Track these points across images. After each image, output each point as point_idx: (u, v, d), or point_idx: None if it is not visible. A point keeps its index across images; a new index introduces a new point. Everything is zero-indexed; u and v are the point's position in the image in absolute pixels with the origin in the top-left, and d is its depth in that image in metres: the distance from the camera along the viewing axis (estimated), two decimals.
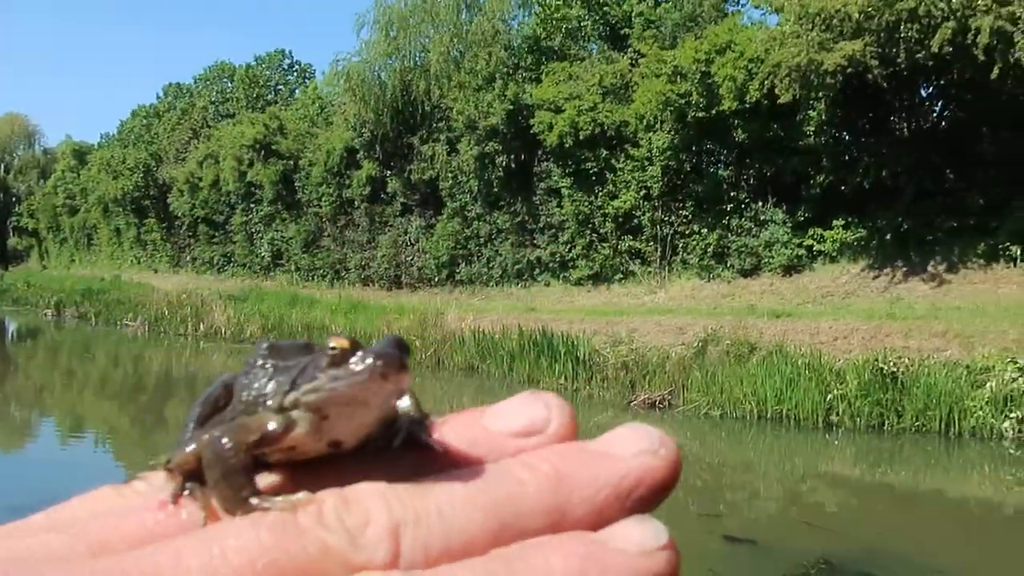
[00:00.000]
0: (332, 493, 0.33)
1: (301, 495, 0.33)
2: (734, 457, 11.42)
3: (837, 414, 12.17)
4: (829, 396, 12.26)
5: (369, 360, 0.36)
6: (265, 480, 0.38)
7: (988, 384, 11.60)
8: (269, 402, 0.38)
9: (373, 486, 0.33)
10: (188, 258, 37.79)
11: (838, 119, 18.26)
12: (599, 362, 15.16)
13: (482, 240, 24.30)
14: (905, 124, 18.28)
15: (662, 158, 20.31)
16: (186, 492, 0.37)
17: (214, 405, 0.42)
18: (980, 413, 11.43)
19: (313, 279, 29.33)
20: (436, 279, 25.34)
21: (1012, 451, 10.89)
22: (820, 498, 9.59)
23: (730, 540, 7.28)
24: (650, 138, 20.41)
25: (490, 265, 24.10)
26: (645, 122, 20.44)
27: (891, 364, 12.09)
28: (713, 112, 18.76)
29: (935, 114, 18.56)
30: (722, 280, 19.64)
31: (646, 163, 20.68)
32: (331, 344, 0.37)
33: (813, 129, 18.51)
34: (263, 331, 22.69)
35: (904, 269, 17.22)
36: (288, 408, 0.37)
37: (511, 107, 22.01)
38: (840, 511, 8.99)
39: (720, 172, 20.22)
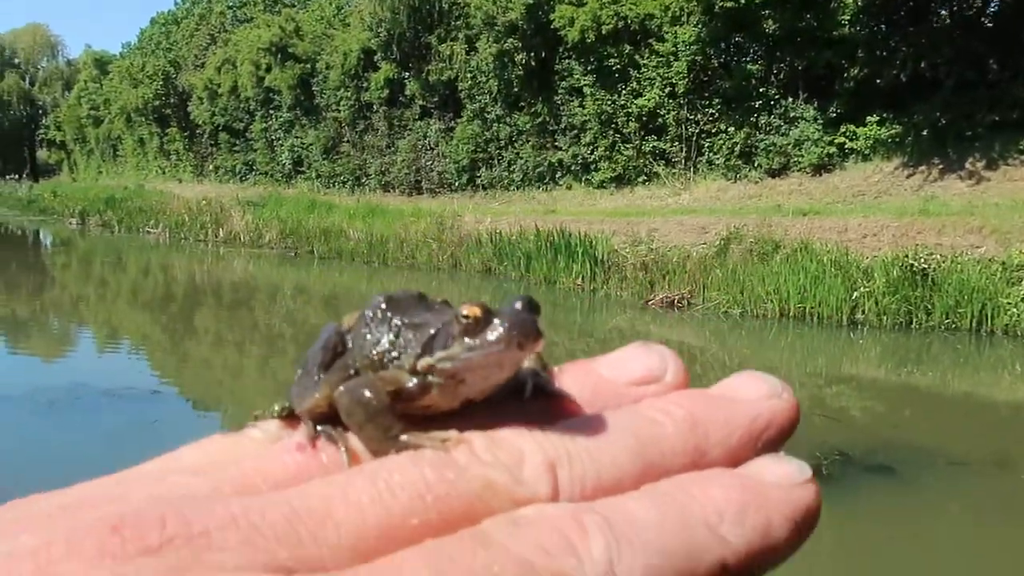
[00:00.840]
0: (478, 434, 0.34)
1: (451, 433, 0.34)
2: (753, 356, 11.04)
3: (863, 312, 11.72)
4: (855, 294, 11.78)
5: (504, 330, 0.36)
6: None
7: None
8: (401, 362, 0.39)
9: (517, 429, 0.34)
10: (211, 167, 37.50)
11: (875, 7, 17.19)
12: (618, 262, 14.75)
13: (502, 143, 23.66)
14: (947, 11, 17.18)
15: (688, 53, 19.40)
16: (321, 436, 0.38)
17: (333, 352, 0.42)
18: (1015, 311, 10.92)
19: (334, 186, 28.95)
20: (456, 184, 24.85)
21: None
22: (841, 395, 9.22)
23: None
24: (676, 32, 19.47)
25: (511, 168, 23.52)
26: (671, 14, 19.47)
27: (922, 260, 11.53)
28: (742, 2, 17.74)
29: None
30: (749, 181, 18.94)
31: (671, 59, 19.78)
32: (464, 312, 0.37)
33: (848, 19, 17.48)
34: (281, 236, 22.50)
35: (940, 166, 16.42)
36: (422, 372, 0.37)
37: (531, 1, 21.06)
38: (861, 408, 8.63)
39: (749, 67, 19.27)
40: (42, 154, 68.29)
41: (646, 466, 0.32)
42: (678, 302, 13.02)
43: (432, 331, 0.38)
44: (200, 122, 36.82)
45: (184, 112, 38.22)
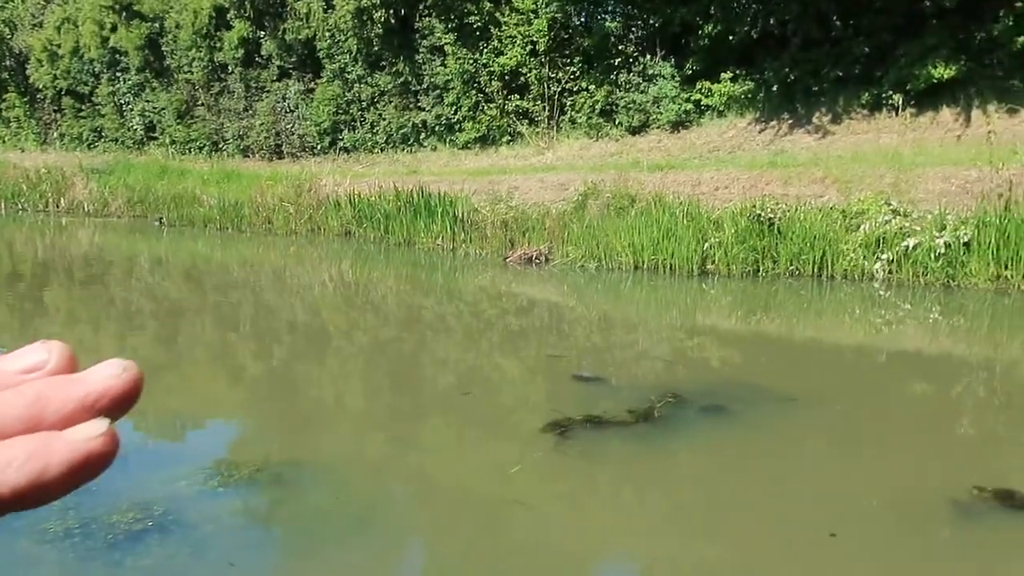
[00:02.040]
0: None
1: None
2: (606, 306, 11.08)
3: (713, 262, 11.93)
4: (706, 245, 11.98)
5: None
6: None
7: (861, 227, 11.47)
8: None
9: None
10: (55, 135, 34.97)
11: None
12: (478, 221, 14.55)
13: (364, 104, 22.97)
14: None
15: (548, 11, 19.24)
16: None
17: None
18: (852, 256, 11.34)
19: (190, 152, 27.47)
20: (318, 147, 24.00)
21: (882, 292, 10.86)
22: (688, 341, 9.34)
23: (578, 378, 6.91)
24: None
25: (374, 130, 22.88)
26: None
27: (768, 211, 11.81)
28: None
29: None
30: (610, 139, 19.03)
31: (532, 16, 19.58)
32: None
33: None
34: (129, 204, 21.21)
35: (790, 121, 16.92)
36: None
37: None
38: (705, 352, 8.75)
39: (608, 24, 19.29)
40: None
41: None
42: (536, 258, 12.94)
43: None
44: (41, 86, 34.22)
45: (23, 75, 35.46)
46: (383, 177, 17.66)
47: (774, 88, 17.14)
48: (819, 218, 11.71)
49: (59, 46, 32.18)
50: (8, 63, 36.37)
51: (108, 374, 0.41)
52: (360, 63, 22.65)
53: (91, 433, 0.39)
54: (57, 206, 22.48)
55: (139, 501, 4.70)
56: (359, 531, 4.50)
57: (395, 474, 5.31)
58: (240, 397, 7.36)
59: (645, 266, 12.17)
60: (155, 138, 29.47)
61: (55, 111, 34.68)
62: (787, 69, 17.03)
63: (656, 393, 6.22)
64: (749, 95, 17.51)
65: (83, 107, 32.82)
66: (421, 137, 22.07)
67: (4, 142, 38.63)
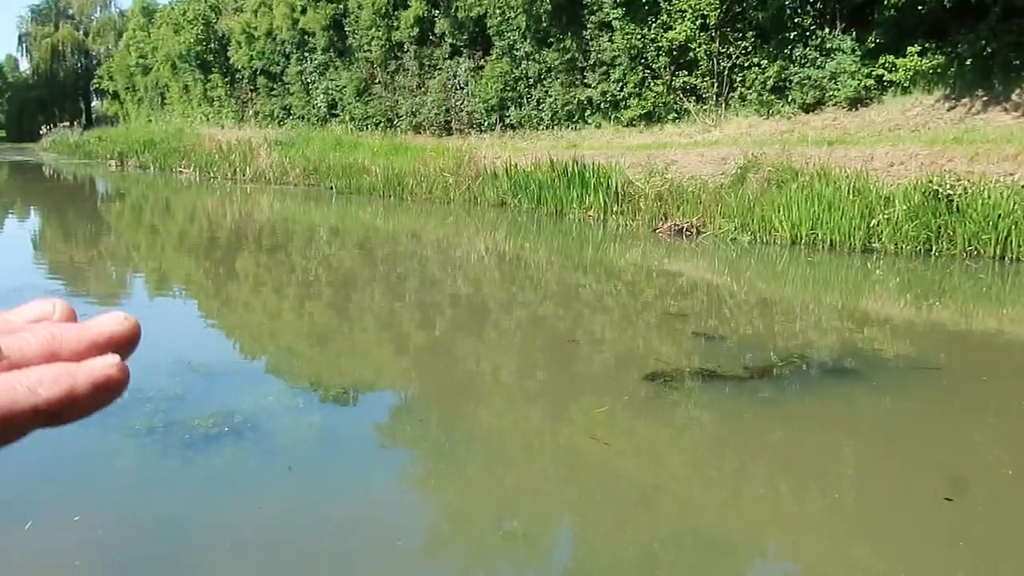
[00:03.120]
0: None
1: None
2: (761, 284, 10.48)
3: (880, 239, 11.05)
4: (873, 221, 11.11)
5: None
6: None
7: None
8: None
9: None
10: (251, 112, 37.52)
11: None
12: (631, 193, 14.22)
13: (531, 81, 23.05)
14: None
15: None
16: None
17: None
18: None
19: (366, 128, 28.65)
20: (485, 124, 24.36)
21: None
22: (842, 317, 8.65)
23: (698, 336, 6.53)
24: None
25: (539, 107, 22.93)
26: None
27: (947, 186, 10.80)
28: None
29: None
30: (781, 116, 18.08)
31: None
32: None
33: None
34: (305, 173, 22.36)
35: (984, 98, 15.41)
36: None
37: None
38: (853, 323, 8.06)
39: None
40: (99, 105, 69.40)
41: (9, 364, 0.42)
42: (687, 230, 12.47)
43: None
44: (239, 67, 36.79)
45: (225, 57, 38.22)
46: (541, 151, 17.62)
47: (968, 62, 15.66)
48: (1006, 196, 10.57)
49: (255, 28, 34.41)
50: (212, 46, 39.33)
51: (113, 319, 0.45)
52: (528, 40, 22.73)
53: (109, 362, 0.43)
54: (243, 174, 24.07)
55: (223, 410, 4.85)
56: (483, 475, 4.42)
57: (545, 449, 5.13)
58: (401, 364, 7.42)
59: (803, 241, 11.44)
60: (336, 115, 30.95)
61: (251, 90, 37.16)
62: (984, 41, 15.50)
63: (785, 353, 5.77)
64: (939, 70, 16.11)
65: (275, 86, 34.96)
66: (586, 114, 21.89)
67: (208, 119, 41.85)
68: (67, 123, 57.94)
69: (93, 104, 71.80)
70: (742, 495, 4.20)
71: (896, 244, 10.85)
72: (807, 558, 3.62)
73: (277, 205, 20.35)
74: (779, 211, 11.77)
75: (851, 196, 11.40)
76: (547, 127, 22.74)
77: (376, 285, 10.63)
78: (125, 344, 0.46)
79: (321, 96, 31.45)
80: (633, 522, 3.89)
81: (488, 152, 18.44)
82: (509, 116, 23.70)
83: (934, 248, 10.69)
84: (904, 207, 10.95)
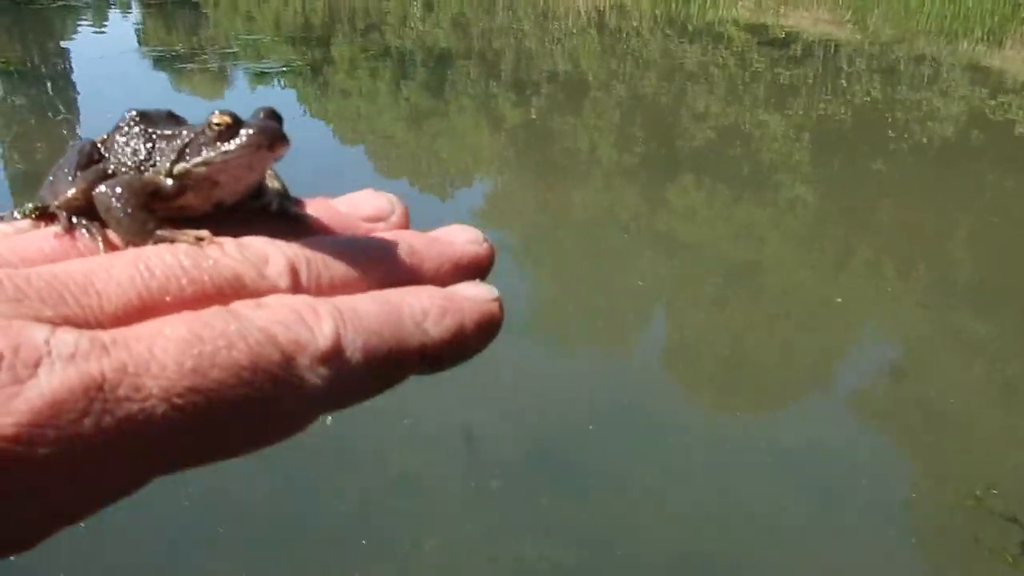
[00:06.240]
0: (228, 238, 0.37)
1: (204, 232, 0.37)
2: (886, 29, 9.49)
3: None
4: None
5: (253, 133, 0.40)
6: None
7: None
8: (158, 168, 0.42)
9: (263, 238, 0.38)
10: None
11: None
12: None
13: None
14: None
15: None
16: (78, 227, 0.39)
17: (88, 158, 0.44)
18: None
19: None
20: None
21: None
22: (972, 79, 7.80)
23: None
24: None
25: None
26: None
27: None
28: None
29: None
30: None
31: None
32: (215, 120, 0.40)
33: None
34: None
35: None
36: (178, 176, 0.41)
37: None
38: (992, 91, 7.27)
39: None
40: None
41: (371, 280, 0.37)
42: None
43: (186, 139, 0.41)
44: None
45: None
46: None
47: None
48: None
49: None
50: None
51: (471, 239, 0.42)
52: None
53: (488, 295, 0.39)
54: None
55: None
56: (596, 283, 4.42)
57: (641, 231, 5.02)
58: (496, 148, 7.28)
59: None
60: None
61: None
62: None
63: None
64: None
65: None
66: None
67: None
68: None
69: None
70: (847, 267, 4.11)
71: None
72: (915, 329, 3.57)
73: None
74: None
75: None
76: None
77: (472, 64, 10.30)
78: (481, 270, 0.41)
79: None
80: (727, 302, 3.87)
81: None
82: None
83: None
84: None
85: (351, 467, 2.62)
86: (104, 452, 0.28)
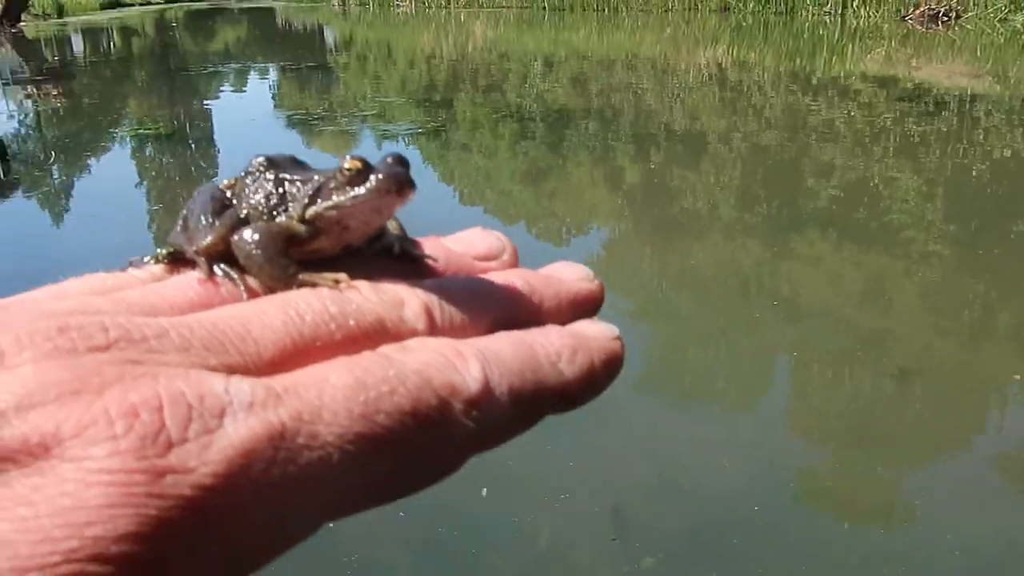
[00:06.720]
0: (363, 281, 0.37)
1: (342, 275, 0.37)
2: None
3: None
4: None
5: (383, 179, 0.40)
6: None
7: None
8: (290, 212, 0.42)
9: (394, 280, 0.38)
10: None
11: None
12: None
13: None
14: None
15: None
16: (218, 273, 0.40)
17: (220, 203, 0.44)
18: None
19: None
20: None
21: None
22: None
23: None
24: None
25: None
26: None
27: None
28: None
29: None
30: None
31: None
32: (346, 165, 0.41)
33: None
34: None
35: None
36: (310, 220, 0.41)
37: None
38: None
39: None
40: None
41: (497, 319, 0.38)
42: (943, 15, 10.83)
43: (317, 183, 0.42)
44: None
45: None
46: None
47: None
48: None
49: None
50: None
51: (582, 276, 0.42)
52: None
53: (611, 333, 0.39)
54: (458, 2, 23.99)
55: None
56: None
57: (759, 286, 4.83)
58: (615, 202, 7.23)
59: None
60: None
61: None
62: None
63: None
64: None
65: None
66: None
67: None
68: None
69: None
70: None
71: None
72: None
73: (490, 33, 20.08)
74: None
75: None
76: None
77: (591, 119, 10.29)
78: (593, 308, 0.41)
79: None
80: (855, 361, 3.60)
81: None
82: None
83: None
84: None
85: (500, 543, 2.51)
86: (289, 500, 0.28)
